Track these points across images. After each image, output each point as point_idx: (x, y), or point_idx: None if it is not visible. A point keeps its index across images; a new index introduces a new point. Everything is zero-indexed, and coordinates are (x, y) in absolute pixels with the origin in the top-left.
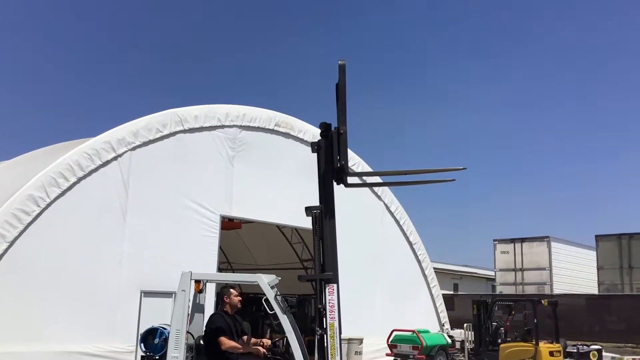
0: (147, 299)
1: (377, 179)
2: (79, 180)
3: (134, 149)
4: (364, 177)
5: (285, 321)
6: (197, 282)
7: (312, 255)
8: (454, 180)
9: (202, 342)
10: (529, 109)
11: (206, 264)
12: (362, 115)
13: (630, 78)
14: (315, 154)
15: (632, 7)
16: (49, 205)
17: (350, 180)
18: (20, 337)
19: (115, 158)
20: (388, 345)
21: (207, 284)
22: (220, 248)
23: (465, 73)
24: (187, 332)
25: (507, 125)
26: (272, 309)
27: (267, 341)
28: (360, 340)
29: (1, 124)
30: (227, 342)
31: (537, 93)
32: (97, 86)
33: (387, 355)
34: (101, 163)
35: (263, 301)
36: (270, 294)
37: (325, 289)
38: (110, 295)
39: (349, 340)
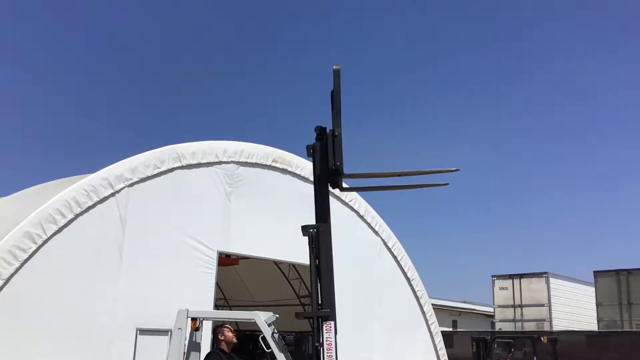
0: (143, 337)
1: (371, 182)
2: (76, 216)
3: (131, 185)
4: (358, 182)
5: (282, 359)
6: (194, 320)
7: (310, 291)
8: (448, 184)
9: None
10: (526, 144)
11: (203, 301)
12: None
13: (631, 113)
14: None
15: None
16: (45, 242)
17: (345, 184)
18: None
19: (112, 194)
20: None
21: (204, 321)
22: (217, 284)
23: (458, 105)
24: None
25: (504, 159)
26: (269, 347)
27: None
28: None
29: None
30: None
31: (534, 126)
32: (96, 123)
33: None
34: (98, 199)
35: (260, 339)
36: (267, 332)
37: (322, 326)
38: (106, 333)
39: None
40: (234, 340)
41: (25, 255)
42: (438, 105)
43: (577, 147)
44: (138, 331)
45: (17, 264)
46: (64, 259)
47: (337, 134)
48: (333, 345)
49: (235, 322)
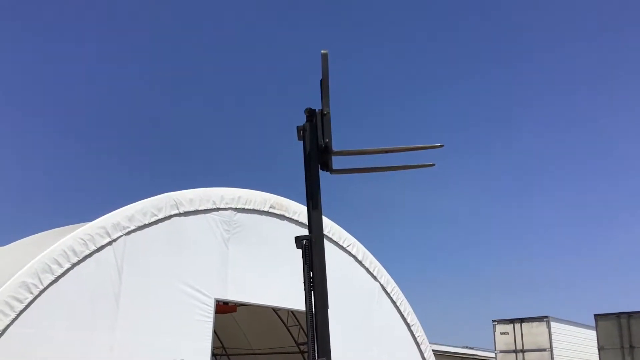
0: None
1: (360, 164)
2: (73, 266)
3: (128, 233)
4: (347, 164)
5: None
6: None
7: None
8: (434, 165)
9: None
10: (525, 190)
11: (200, 349)
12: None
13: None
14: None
15: None
16: (42, 292)
17: (335, 167)
18: None
19: (109, 243)
20: None
21: None
22: (215, 332)
23: (451, 142)
24: None
25: (501, 203)
26: None
27: None
28: None
29: None
30: None
31: (527, 175)
32: (94, 171)
33: None
34: (95, 248)
35: None
36: None
37: None
38: None
39: None
40: None
41: (22, 306)
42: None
43: (575, 188)
44: None
45: (13, 315)
46: (60, 309)
47: (325, 112)
48: None
49: None
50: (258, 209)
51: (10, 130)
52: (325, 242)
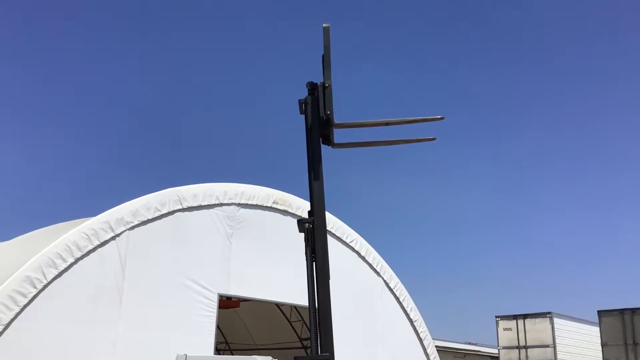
0: None
1: (361, 138)
2: (77, 260)
3: (132, 228)
4: (349, 137)
5: None
6: None
7: (309, 330)
8: (435, 139)
9: None
10: (529, 185)
11: (203, 344)
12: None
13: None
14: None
15: None
16: (45, 286)
17: (337, 141)
18: None
19: (113, 238)
20: None
21: None
22: (218, 327)
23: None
24: None
25: (506, 199)
26: None
27: None
28: None
29: (0, 204)
30: None
31: (532, 169)
32: (97, 166)
33: None
34: (99, 243)
35: None
36: None
37: None
38: None
39: None
40: None
41: (25, 300)
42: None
43: (583, 185)
44: None
45: (17, 309)
46: (64, 303)
47: (327, 85)
48: None
49: None
50: (261, 204)
51: (11, 127)
52: (329, 238)
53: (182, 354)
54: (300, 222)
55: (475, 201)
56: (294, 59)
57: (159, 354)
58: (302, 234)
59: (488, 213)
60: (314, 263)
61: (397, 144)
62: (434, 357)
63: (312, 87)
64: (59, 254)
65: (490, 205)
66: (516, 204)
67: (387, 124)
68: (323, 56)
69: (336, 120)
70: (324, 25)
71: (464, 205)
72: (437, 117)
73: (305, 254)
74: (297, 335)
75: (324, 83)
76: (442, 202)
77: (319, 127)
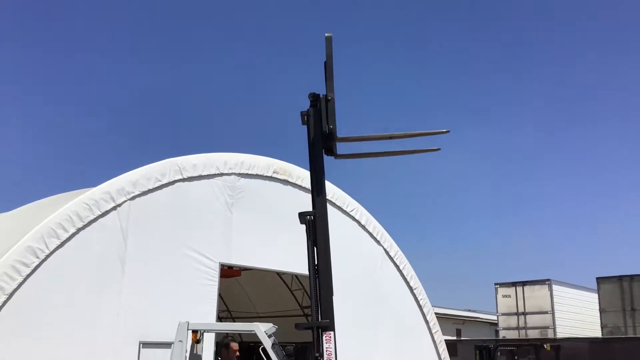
0: (146, 350)
1: (365, 149)
2: (78, 230)
3: (133, 198)
4: (352, 149)
5: None
6: (195, 332)
7: (310, 298)
8: (439, 149)
9: None
10: (528, 150)
11: (205, 312)
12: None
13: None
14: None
15: None
16: (48, 256)
17: (340, 152)
18: None
19: (114, 208)
20: None
21: (205, 334)
22: (220, 296)
23: (457, 121)
24: None
25: (506, 166)
26: (269, 357)
27: None
28: None
29: (1, 176)
30: None
31: (532, 136)
32: (97, 136)
33: None
34: (100, 213)
35: (260, 350)
36: (267, 343)
37: (322, 336)
38: (109, 347)
39: None
40: (236, 357)
41: (28, 270)
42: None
43: (580, 153)
44: (141, 344)
45: (20, 279)
46: (66, 273)
47: (330, 98)
48: (333, 355)
49: (239, 335)
50: (261, 174)
51: (12, 98)
52: (329, 207)
53: (185, 321)
54: (302, 215)
55: (475, 167)
56: (295, 24)
57: (162, 322)
58: (303, 206)
59: (487, 179)
60: (315, 256)
61: (400, 154)
62: (434, 324)
63: (314, 98)
64: (61, 224)
65: (491, 170)
66: (515, 169)
67: (391, 137)
68: (325, 66)
69: (339, 132)
70: (326, 34)
71: (463, 172)
72: (442, 130)
73: (307, 247)
74: (299, 303)
75: (326, 96)
76: (441, 168)
77: (322, 140)
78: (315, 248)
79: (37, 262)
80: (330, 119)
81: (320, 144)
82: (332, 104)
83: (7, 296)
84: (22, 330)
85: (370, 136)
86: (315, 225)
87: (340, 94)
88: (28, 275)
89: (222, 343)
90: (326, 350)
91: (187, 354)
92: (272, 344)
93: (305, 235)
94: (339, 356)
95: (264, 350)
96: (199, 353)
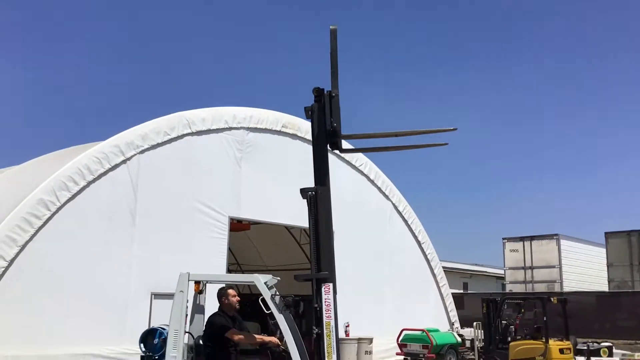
0: (158, 301)
1: (371, 143)
2: (89, 184)
3: (142, 152)
4: (357, 143)
5: (281, 320)
6: (197, 283)
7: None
8: (447, 144)
9: (202, 342)
10: (535, 105)
11: (215, 265)
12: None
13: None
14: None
15: None
16: (59, 209)
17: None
18: (32, 340)
19: (124, 161)
20: (398, 344)
21: (207, 284)
22: (230, 250)
23: (467, 74)
24: (187, 332)
25: (514, 123)
26: (268, 308)
27: (274, 340)
28: (370, 340)
29: (11, 130)
30: (237, 335)
31: (542, 91)
32: (102, 91)
33: (397, 354)
34: (110, 167)
35: (260, 301)
36: (266, 294)
37: (321, 288)
38: (121, 298)
39: (359, 340)
40: (237, 306)
41: (40, 223)
42: (438, 61)
43: (587, 105)
44: (152, 295)
45: (32, 231)
46: (78, 226)
47: (334, 95)
48: (332, 306)
49: (248, 285)
50: (270, 128)
51: (19, 46)
52: (339, 161)
53: (185, 272)
54: (304, 191)
55: (485, 124)
56: None
57: (173, 274)
58: (311, 160)
59: (495, 132)
60: (317, 232)
61: (407, 149)
62: (441, 278)
63: (318, 93)
64: (71, 177)
65: (498, 124)
66: (526, 127)
67: (397, 135)
68: (330, 60)
69: (345, 129)
70: (331, 27)
71: (472, 127)
72: (449, 128)
73: (309, 221)
74: (307, 257)
75: (330, 92)
76: (449, 122)
77: (327, 135)
78: (316, 224)
79: (48, 214)
80: (335, 116)
81: (325, 140)
82: (336, 100)
83: (19, 248)
84: (35, 282)
85: (375, 134)
86: (317, 202)
87: (344, 86)
88: (40, 228)
89: (220, 293)
90: (325, 302)
91: (189, 304)
92: (272, 295)
93: (307, 213)
94: (349, 309)
95: (263, 300)
96: (201, 303)
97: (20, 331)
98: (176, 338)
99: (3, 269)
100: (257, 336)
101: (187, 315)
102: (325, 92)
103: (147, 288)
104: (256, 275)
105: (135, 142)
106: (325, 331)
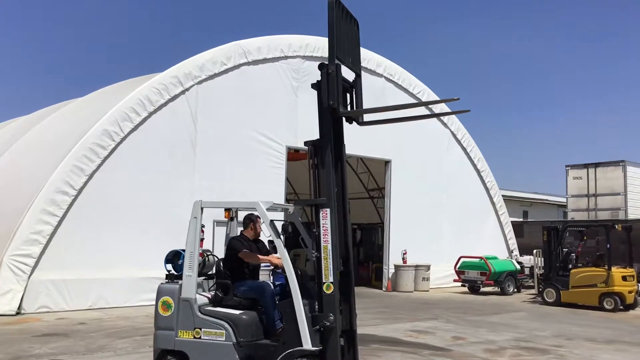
0: (220, 228)
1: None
2: (150, 114)
3: (200, 82)
4: (370, 116)
5: (279, 244)
6: (227, 210)
7: (378, 185)
8: (469, 110)
9: (222, 263)
10: (600, 29)
11: (273, 194)
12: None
13: None
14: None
15: None
16: (123, 139)
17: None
18: (100, 264)
19: (183, 92)
20: (455, 271)
21: (238, 212)
22: (287, 179)
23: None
24: (211, 254)
25: (574, 46)
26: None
27: (275, 259)
28: (428, 267)
29: (72, 64)
30: (246, 255)
31: (606, 16)
32: (158, 24)
33: (455, 281)
34: (170, 97)
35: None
36: (266, 220)
37: (319, 213)
38: (184, 225)
39: (417, 266)
40: (260, 230)
41: (106, 152)
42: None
43: None
44: (215, 222)
45: (99, 161)
46: (141, 155)
47: (330, 71)
48: (329, 231)
49: (304, 213)
50: (326, 55)
51: None
52: (396, 88)
53: (198, 200)
54: (307, 143)
55: (546, 48)
56: None
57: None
58: (370, 85)
59: (557, 61)
60: (317, 178)
61: (424, 118)
62: (500, 206)
63: (321, 69)
64: (133, 108)
65: (560, 52)
66: (590, 50)
67: (400, 107)
68: (328, 35)
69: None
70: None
71: (536, 50)
72: (453, 98)
73: (309, 173)
74: (364, 186)
75: (327, 68)
76: (512, 47)
77: (329, 115)
78: (317, 172)
79: (113, 144)
80: (332, 94)
81: (329, 118)
82: (333, 77)
83: (87, 177)
84: (102, 210)
85: (376, 108)
86: (321, 153)
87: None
88: (106, 157)
89: (249, 218)
90: (322, 226)
91: (204, 228)
92: (270, 221)
93: (308, 160)
94: (407, 238)
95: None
96: (233, 230)
97: (88, 256)
98: (191, 259)
99: (72, 198)
100: (260, 256)
101: (202, 239)
102: (323, 69)
103: (210, 216)
104: (258, 201)
105: (193, 72)
106: (322, 254)
